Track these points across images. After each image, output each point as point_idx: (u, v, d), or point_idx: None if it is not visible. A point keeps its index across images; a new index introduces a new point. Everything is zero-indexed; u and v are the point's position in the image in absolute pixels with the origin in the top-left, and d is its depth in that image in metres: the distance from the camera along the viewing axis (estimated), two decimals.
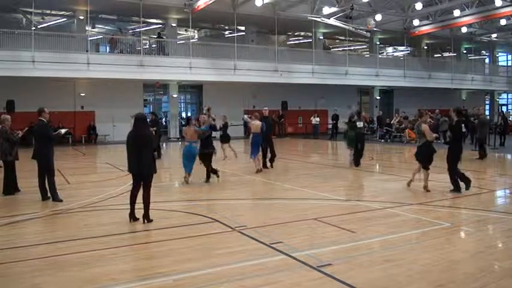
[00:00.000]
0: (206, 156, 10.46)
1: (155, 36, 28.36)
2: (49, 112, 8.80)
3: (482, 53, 40.67)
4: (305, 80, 27.26)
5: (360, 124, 13.18)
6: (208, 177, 10.56)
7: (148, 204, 6.70)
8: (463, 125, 9.36)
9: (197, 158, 10.31)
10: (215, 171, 10.78)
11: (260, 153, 12.60)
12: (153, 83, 25.37)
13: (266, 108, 13.78)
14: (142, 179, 6.73)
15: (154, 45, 25.83)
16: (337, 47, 36.29)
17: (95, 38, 24.99)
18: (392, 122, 25.13)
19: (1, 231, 6.37)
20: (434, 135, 9.28)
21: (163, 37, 26.09)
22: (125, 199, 7.17)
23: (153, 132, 15.72)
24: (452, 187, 8.97)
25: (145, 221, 6.69)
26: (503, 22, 29.29)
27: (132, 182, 6.87)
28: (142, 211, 6.66)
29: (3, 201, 8.59)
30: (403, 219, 6.94)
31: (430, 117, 22.36)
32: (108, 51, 24.63)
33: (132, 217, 6.76)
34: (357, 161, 13.10)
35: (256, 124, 12.12)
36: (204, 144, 10.40)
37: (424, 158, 9.10)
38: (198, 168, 10.56)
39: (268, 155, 13.11)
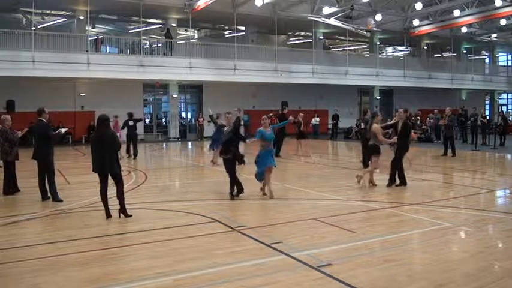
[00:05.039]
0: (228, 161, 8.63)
1: (156, 36, 28.31)
2: (49, 112, 8.81)
3: (482, 53, 40.70)
4: (305, 80, 27.26)
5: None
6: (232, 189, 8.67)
7: (122, 200, 6.97)
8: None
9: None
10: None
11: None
12: (153, 83, 25.36)
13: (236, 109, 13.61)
14: (107, 177, 7.00)
15: (160, 45, 25.72)
16: (337, 47, 36.30)
17: (95, 38, 24.96)
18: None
19: (1, 231, 6.36)
20: (390, 140, 9.98)
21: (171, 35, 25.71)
22: (125, 199, 7.18)
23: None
24: (388, 182, 9.67)
25: (123, 215, 6.95)
26: (503, 22, 29.32)
27: (99, 182, 7.07)
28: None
29: (3, 201, 8.59)
30: (403, 219, 6.94)
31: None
32: (93, 50, 24.17)
33: (107, 214, 6.97)
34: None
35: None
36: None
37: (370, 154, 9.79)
38: (198, 168, 10.50)
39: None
